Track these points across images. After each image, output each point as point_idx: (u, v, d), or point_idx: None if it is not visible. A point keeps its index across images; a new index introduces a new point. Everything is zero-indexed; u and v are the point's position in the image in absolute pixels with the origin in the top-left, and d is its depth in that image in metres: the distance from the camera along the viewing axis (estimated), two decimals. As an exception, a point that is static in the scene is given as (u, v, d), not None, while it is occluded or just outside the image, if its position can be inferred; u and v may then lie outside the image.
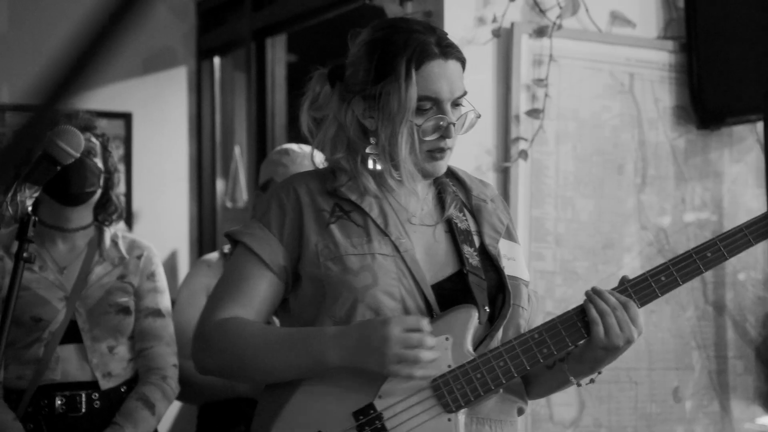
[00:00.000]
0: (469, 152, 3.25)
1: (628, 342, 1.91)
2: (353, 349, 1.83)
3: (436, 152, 1.96)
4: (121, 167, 3.98)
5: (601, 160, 3.49)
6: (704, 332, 3.64)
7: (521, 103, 3.31)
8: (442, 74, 1.91)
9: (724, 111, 3.58)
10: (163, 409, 2.88)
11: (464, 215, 2.06)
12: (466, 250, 1.99)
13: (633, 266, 3.53)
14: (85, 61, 0.58)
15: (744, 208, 3.75)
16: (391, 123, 1.92)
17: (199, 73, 4.86)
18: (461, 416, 1.89)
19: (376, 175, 2.00)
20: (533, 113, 3.30)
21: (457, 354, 1.90)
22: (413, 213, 2.02)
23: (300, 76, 5.42)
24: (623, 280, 1.98)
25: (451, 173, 2.13)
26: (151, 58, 4.74)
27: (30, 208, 1.94)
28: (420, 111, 1.92)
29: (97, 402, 2.80)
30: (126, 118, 4.66)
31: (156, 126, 4.75)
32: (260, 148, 4.46)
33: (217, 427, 3.18)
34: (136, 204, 4.66)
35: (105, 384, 2.81)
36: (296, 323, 2.00)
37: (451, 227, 2.03)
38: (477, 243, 2.03)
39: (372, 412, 1.88)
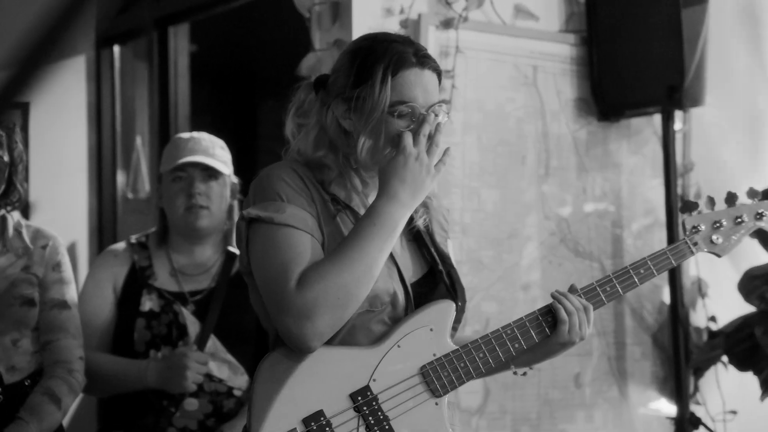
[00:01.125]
0: (377, 142, 3.27)
1: (581, 339, 2.16)
2: (407, 191, 2.00)
3: None
4: (19, 157, 3.89)
5: (506, 150, 3.55)
6: (603, 319, 3.74)
7: (428, 94, 3.34)
8: (417, 82, 2.06)
9: (623, 104, 3.68)
10: (70, 402, 2.84)
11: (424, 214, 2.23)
12: (431, 249, 2.20)
13: (534, 256, 3.60)
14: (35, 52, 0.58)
15: (641, 198, 3.86)
16: (367, 123, 2.05)
17: (99, 62, 4.78)
18: (446, 400, 2.07)
19: (360, 176, 2.13)
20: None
21: (440, 344, 2.08)
22: None
23: (203, 65, 5.38)
24: (573, 288, 2.21)
25: None
26: (49, 46, 4.64)
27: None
28: (399, 116, 2.05)
29: (0, 396, 2.74)
30: (23, 107, 4.56)
31: (54, 115, 4.66)
32: (162, 138, 4.41)
33: (123, 420, 3.14)
34: (34, 194, 4.56)
35: (9, 378, 2.75)
36: None
37: (415, 235, 2.20)
38: (431, 242, 2.22)
39: (369, 394, 2.03)
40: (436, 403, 2.05)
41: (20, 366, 2.77)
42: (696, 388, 3.82)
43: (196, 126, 4.33)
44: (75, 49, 4.74)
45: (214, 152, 3.14)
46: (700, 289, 3.87)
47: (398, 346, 2.05)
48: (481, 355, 2.09)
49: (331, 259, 1.97)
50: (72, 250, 4.62)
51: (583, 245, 3.71)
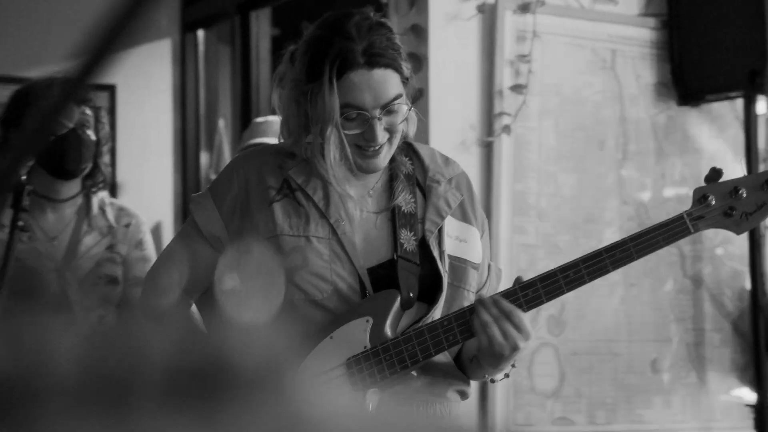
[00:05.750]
0: (453, 127, 3.29)
1: (514, 349, 1.93)
2: None
3: (366, 150, 1.99)
4: (106, 139, 3.99)
5: (583, 135, 3.54)
6: (682, 305, 3.71)
7: (505, 78, 3.34)
8: (364, 84, 1.93)
9: (704, 88, 3.63)
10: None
11: (414, 198, 2.08)
12: (404, 235, 2.03)
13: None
14: (112, 36, 0.60)
15: (722, 184, 3.81)
16: (319, 126, 1.96)
17: (183, 46, 4.87)
18: (369, 396, 1.96)
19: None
20: (517, 88, 3.34)
21: (375, 336, 1.96)
22: (357, 199, 2.06)
23: (284, 49, 5.42)
24: (517, 280, 1.99)
25: (413, 151, 2.15)
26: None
27: (24, 177, 1.97)
28: (347, 119, 1.95)
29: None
30: (110, 90, 4.67)
31: (140, 98, 4.76)
32: (244, 121, 4.48)
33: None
34: (121, 176, 4.67)
35: (94, 354, 2.84)
36: None
37: (393, 215, 2.06)
38: (420, 227, 2.06)
39: None
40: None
41: (104, 343, 2.86)
42: (776, 376, 3.77)
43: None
44: (160, 33, 4.83)
45: None
46: (783, 276, 3.81)
47: (330, 338, 1.97)
48: (410, 347, 1.96)
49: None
50: (157, 230, 4.72)
51: (661, 230, 3.68)
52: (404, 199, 2.07)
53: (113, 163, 4.63)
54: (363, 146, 1.98)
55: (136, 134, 4.73)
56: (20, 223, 1.97)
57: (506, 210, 3.35)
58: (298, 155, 2.04)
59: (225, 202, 2.04)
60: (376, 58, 1.93)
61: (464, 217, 2.12)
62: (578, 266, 1.98)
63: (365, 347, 1.97)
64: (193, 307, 2.10)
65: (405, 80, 2.00)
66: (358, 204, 2.06)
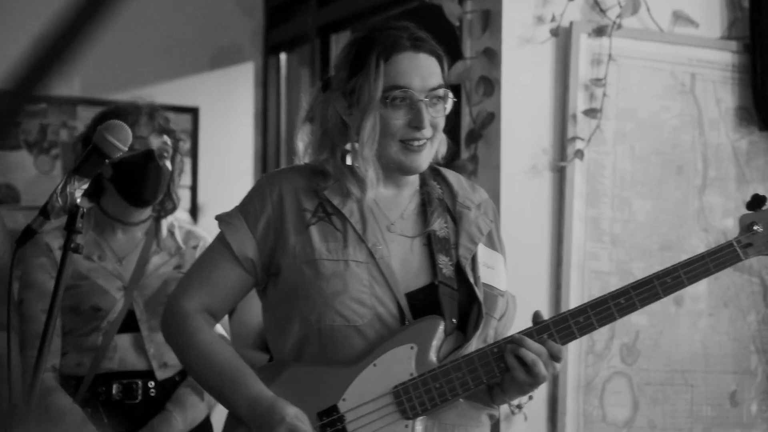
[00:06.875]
0: (525, 151, 3.25)
1: (553, 376, 2.00)
2: (258, 416, 1.93)
3: (410, 143, 1.99)
4: (187, 161, 4.05)
5: (660, 160, 3.46)
6: (764, 336, 3.60)
7: (579, 102, 3.29)
8: (411, 66, 1.97)
9: (787, 113, 3.53)
10: (215, 396, 2.94)
11: (446, 223, 2.09)
12: (442, 260, 2.03)
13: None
14: (59, 46, 0.60)
15: (807, 212, 3.69)
16: (361, 113, 1.97)
17: (266, 69, 4.92)
18: (419, 423, 1.96)
19: (358, 177, 2.03)
20: (591, 113, 3.29)
21: (421, 363, 1.95)
22: (393, 221, 2.06)
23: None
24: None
25: (440, 176, 2.17)
26: (219, 54, 4.81)
27: (78, 200, 2.00)
28: (393, 105, 1.97)
29: (153, 390, 2.86)
30: (193, 112, 4.74)
31: (222, 121, 4.83)
32: (323, 143, 4.50)
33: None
34: (202, 197, 4.73)
35: (161, 374, 2.86)
36: (272, 317, 2.08)
37: (429, 239, 2.06)
38: (455, 253, 2.07)
39: (335, 413, 1.96)
40: (406, 426, 1.95)
41: (172, 363, 2.88)
42: None
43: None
44: (243, 56, 4.89)
45: None
46: None
47: (374, 365, 1.95)
48: (459, 375, 1.95)
49: (203, 352, 2.02)
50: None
51: (742, 259, 3.57)
52: (439, 225, 2.07)
53: (194, 185, 4.69)
54: (409, 139, 1.98)
55: (218, 156, 4.79)
56: (73, 245, 1.99)
57: (578, 236, 3.29)
58: (330, 174, 2.04)
59: (259, 224, 2.04)
60: (421, 43, 2.00)
61: (491, 244, 2.13)
62: (629, 293, 2.01)
63: (412, 375, 1.95)
64: (218, 327, 2.10)
65: (444, 81, 2.04)
66: (393, 226, 2.06)
